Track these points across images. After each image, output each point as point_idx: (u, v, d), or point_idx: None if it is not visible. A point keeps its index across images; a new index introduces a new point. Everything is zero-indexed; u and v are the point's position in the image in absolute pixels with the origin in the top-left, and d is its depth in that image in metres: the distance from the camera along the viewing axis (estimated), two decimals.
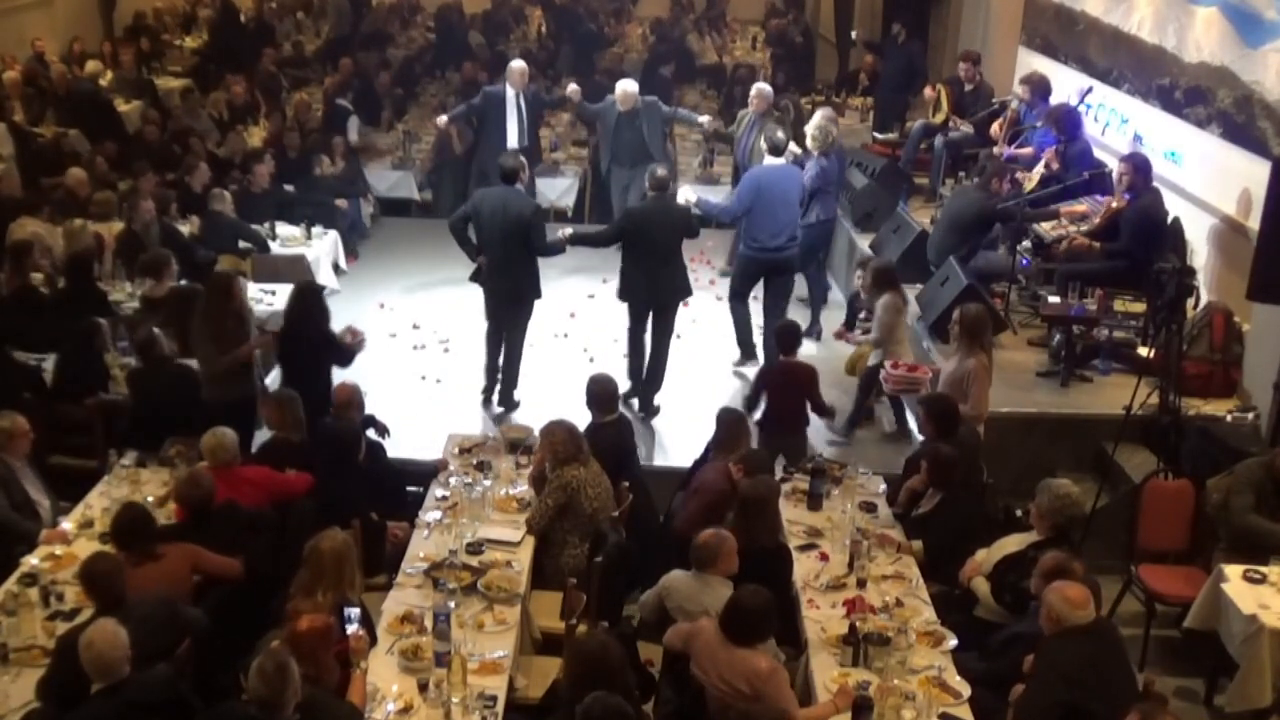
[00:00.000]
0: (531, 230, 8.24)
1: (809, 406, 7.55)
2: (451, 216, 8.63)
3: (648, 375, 8.64)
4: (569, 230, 9.04)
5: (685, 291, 8.74)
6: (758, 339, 9.26)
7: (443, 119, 11.71)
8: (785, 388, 7.52)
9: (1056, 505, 5.77)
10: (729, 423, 6.90)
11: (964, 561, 6.01)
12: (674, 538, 6.27)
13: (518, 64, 11.63)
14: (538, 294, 8.49)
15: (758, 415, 7.54)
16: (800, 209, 9.16)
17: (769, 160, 9.12)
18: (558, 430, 6.31)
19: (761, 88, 10.85)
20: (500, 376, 8.57)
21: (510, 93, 11.33)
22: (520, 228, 8.19)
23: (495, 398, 8.61)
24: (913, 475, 6.69)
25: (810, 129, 9.72)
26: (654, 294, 8.46)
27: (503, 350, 8.53)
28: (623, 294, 8.66)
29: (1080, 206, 9.11)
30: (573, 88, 11.70)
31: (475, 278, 8.51)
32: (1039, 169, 9.55)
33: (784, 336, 7.74)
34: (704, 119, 11.65)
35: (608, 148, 11.38)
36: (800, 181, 9.19)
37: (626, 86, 11.22)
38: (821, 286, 10.08)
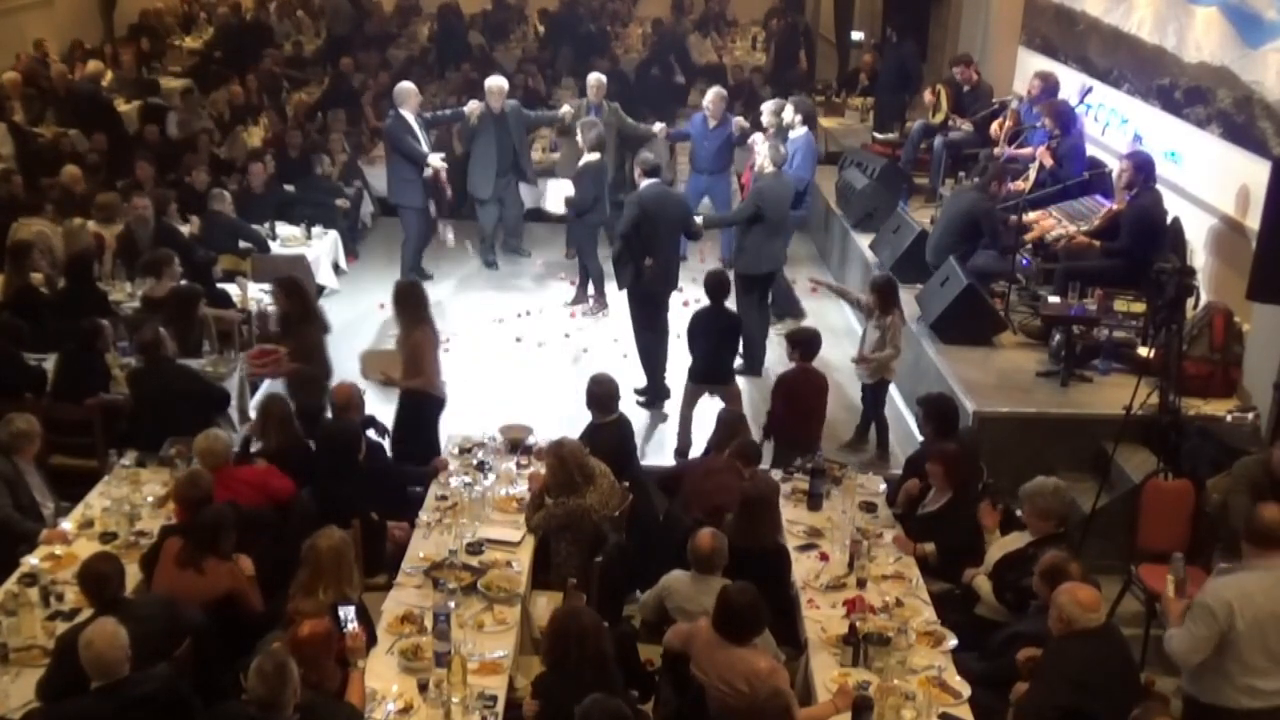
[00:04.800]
0: (690, 220, 8.82)
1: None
2: (622, 226, 8.61)
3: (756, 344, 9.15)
4: (699, 218, 9.53)
5: None
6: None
7: (437, 160, 10.73)
8: (800, 395, 7.43)
9: (1039, 502, 5.78)
10: (729, 423, 6.91)
11: (977, 560, 6.01)
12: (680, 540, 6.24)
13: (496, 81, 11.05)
14: None
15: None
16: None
17: (796, 132, 9.92)
18: (551, 458, 6.15)
19: (600, 76, 11.28)
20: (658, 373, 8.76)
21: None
22: (682, 220, 8.75)
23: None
24: (913, 476, 6.69)
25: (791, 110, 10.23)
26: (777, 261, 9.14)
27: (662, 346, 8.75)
28: (748, 265, 8.93)
29: (1048, 221, 9.13)
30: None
31: (637, 283, 8.55)
32: (1033, 167, 9.57)
33: (805, 342, 7.58)
34: (564, 110, 11.43)
35: (491, 159, 10.79)
36: None
37: (499, 82, 10.94)
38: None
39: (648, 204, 8.54)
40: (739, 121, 11.02)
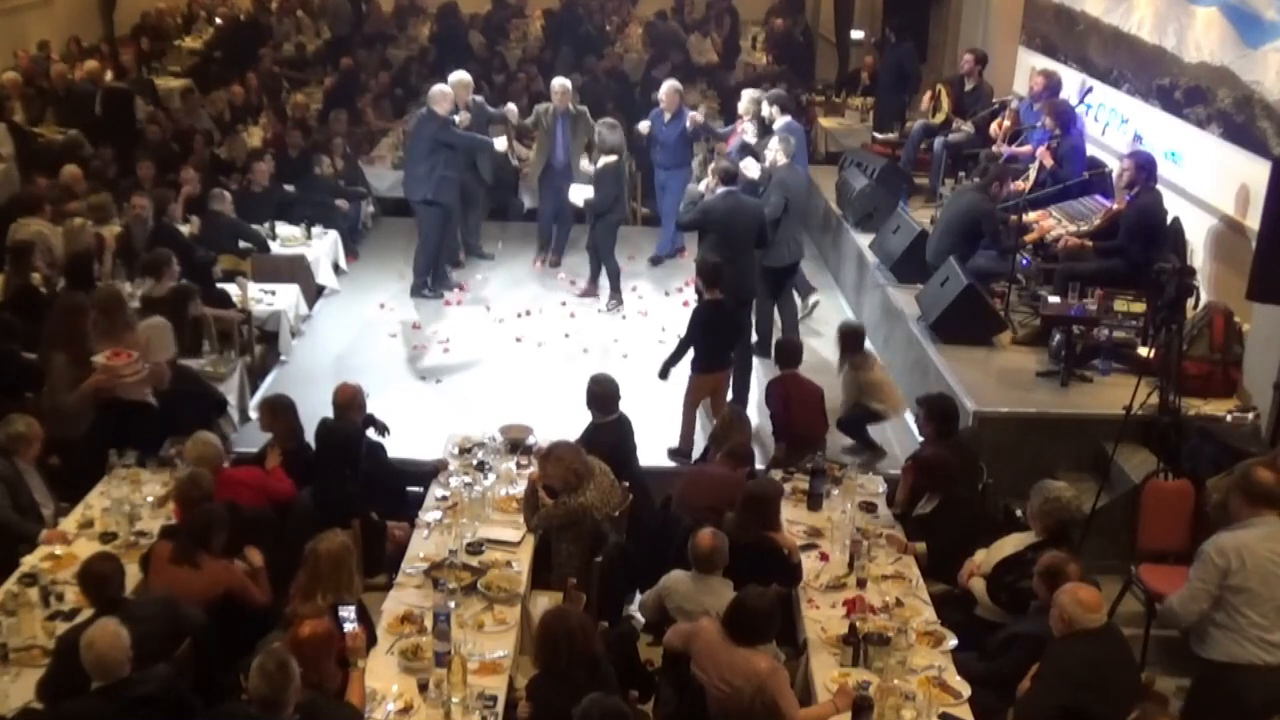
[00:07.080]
0: (764, 229, 8.55)
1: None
2: (709, 250, 8.28)
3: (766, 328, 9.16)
4: None
5: None
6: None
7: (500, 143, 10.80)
8: (799, 399, 7.51)
9: (1049, 508, 5.77)
10: (729, 421, 6.91)
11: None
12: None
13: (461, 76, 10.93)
14: None
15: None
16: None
17: (779, 123, 9.90)
18: (549, 461, 6.12)
19: (564, 82, 11.21)
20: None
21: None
22: (758, 228, 8.46)
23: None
24: None
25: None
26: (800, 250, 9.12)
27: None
28: (777, 259, 8.90)
29: (1049, 222, 9.11)
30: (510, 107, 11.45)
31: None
32: (1033, 167, 9.57)
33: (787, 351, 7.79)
34: (509, 107, 11.44)
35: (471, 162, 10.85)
36: None
37: (460, 77, 10.84)
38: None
39: (715, 213, 8.33)
40: (694, 116, 10.96)
